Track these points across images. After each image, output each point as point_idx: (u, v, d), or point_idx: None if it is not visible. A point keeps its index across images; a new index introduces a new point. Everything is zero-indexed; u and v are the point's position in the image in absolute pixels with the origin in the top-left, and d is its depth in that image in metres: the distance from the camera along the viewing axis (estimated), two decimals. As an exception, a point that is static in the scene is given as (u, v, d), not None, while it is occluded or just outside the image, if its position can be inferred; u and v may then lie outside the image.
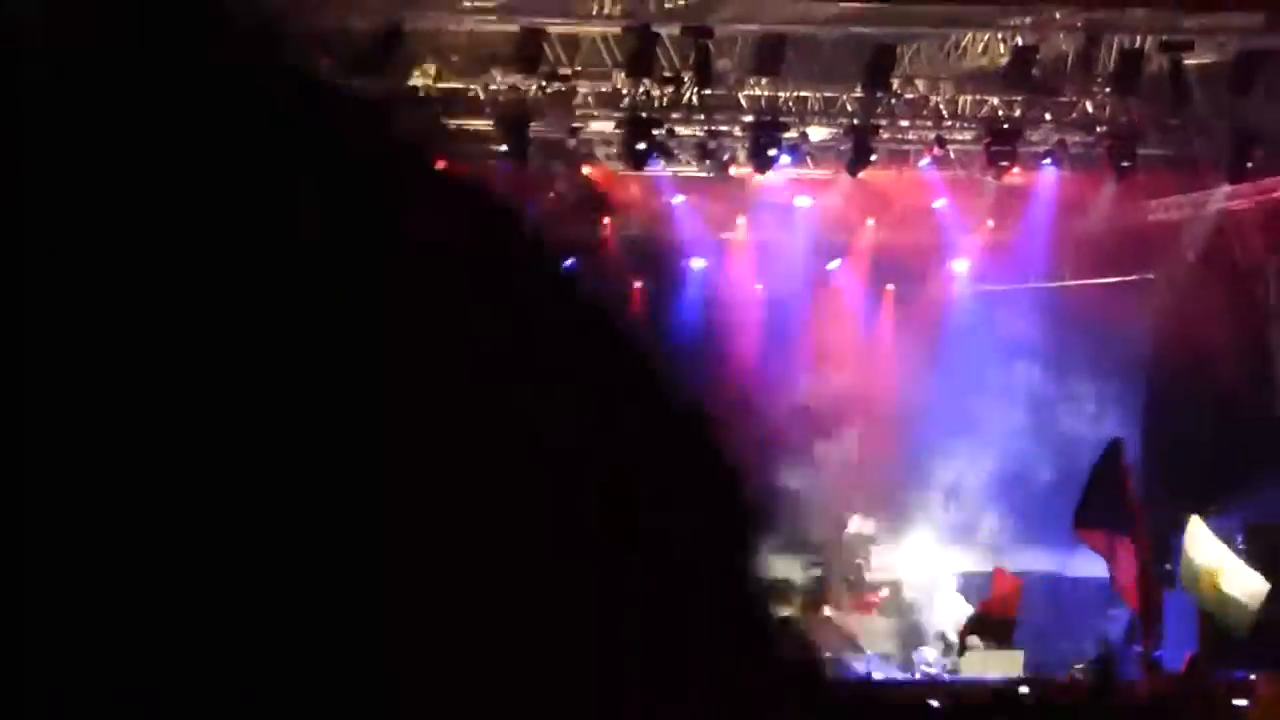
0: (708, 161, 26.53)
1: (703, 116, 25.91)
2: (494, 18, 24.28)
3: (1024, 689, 18.85)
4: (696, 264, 29.26)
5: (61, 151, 0.72)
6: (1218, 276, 26.00)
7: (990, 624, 24.98)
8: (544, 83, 24.99)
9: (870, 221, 28.84)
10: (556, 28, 24.39)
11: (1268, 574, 24.52)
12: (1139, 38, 24.68)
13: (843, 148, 26.44)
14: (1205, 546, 23.75)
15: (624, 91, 25.35)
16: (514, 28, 24.08)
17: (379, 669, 0.71)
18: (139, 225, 0.72)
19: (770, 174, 26.68)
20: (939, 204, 28.04)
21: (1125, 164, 25.89)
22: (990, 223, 28.45)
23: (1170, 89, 24.78)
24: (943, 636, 26.53)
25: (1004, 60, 25.17)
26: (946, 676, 24.97)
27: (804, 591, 28.72)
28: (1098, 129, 26.30)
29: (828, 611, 28.17)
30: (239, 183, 0.74)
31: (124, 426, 0.70)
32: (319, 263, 0.74)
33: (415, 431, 0.74)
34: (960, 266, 29.08)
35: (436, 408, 0.75)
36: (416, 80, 25.12)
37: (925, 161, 26.74)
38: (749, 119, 25.83)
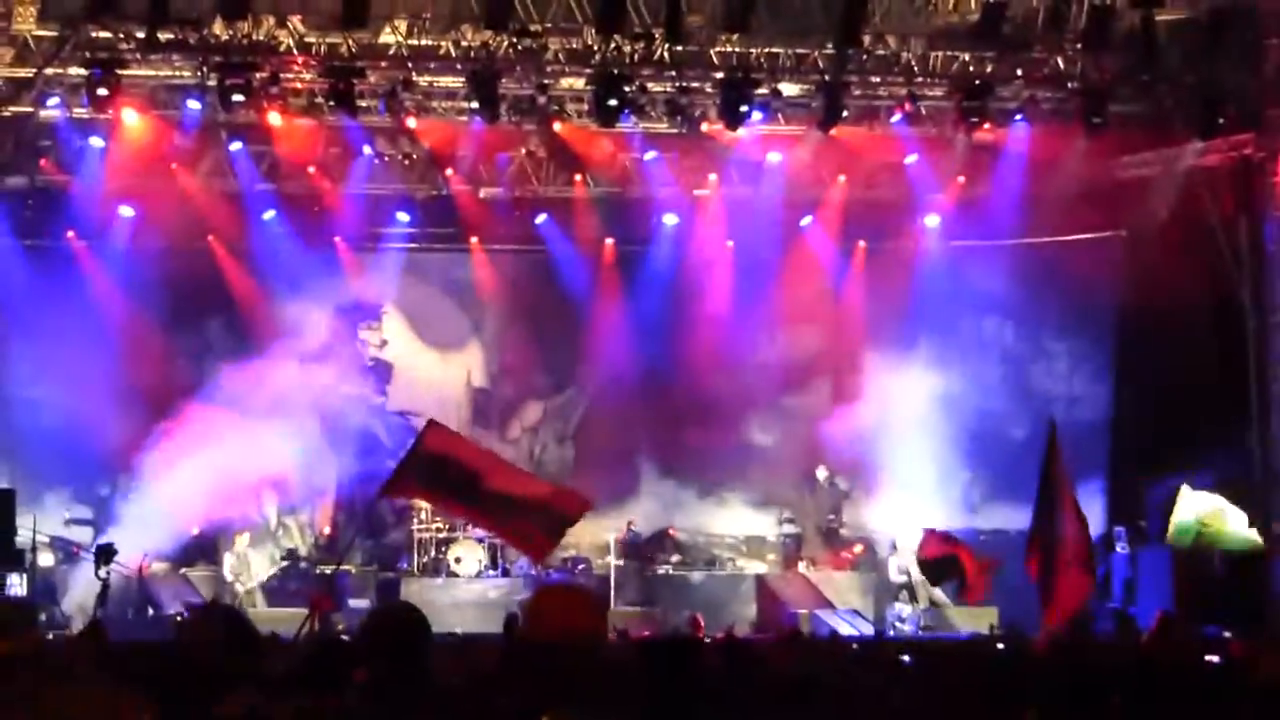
0: (679, 118, 26.48)
1: (674, 73, 25.86)
2: (465, -26, 24.23)
3: (999, 645, 18.90)
4: (668, 220, 29.25)
5: None
6: (1188, 233, 26.01)
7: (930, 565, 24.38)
8: (515, 39, 24.93)
9: (841, 178, 28.84)
10: (527, -16, 24.34)
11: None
12: (1110, -7, 24.66)
13: (814, 104, 26.40)
14: (1197, 502, 24.44)
15: (595, 48, 25.30)
16: (485, -16, 24.03)
17: None
18: None
19: (742, 130, 26.65)
20: (910, 160, 28.00)
21: (1096, 120, 25.88)
22: (961, 179, 28.43)
23: (1141, 45, 24.77)
24: (911, 590, 26.61)
25: (975, 16, 25.14)
26: (920, 633, 25.06)
27: (778, 547, 28.80)
28: (1069, 85, 26.29)
29: (802, 567, 28.27)
30: None
31: None
32: None
33: None
34: (931, 222, 29.07)
35: None
36: (387, 37, 25.06)
37: (896, 118, 26.67)
38: (720, 75, 25.77)
